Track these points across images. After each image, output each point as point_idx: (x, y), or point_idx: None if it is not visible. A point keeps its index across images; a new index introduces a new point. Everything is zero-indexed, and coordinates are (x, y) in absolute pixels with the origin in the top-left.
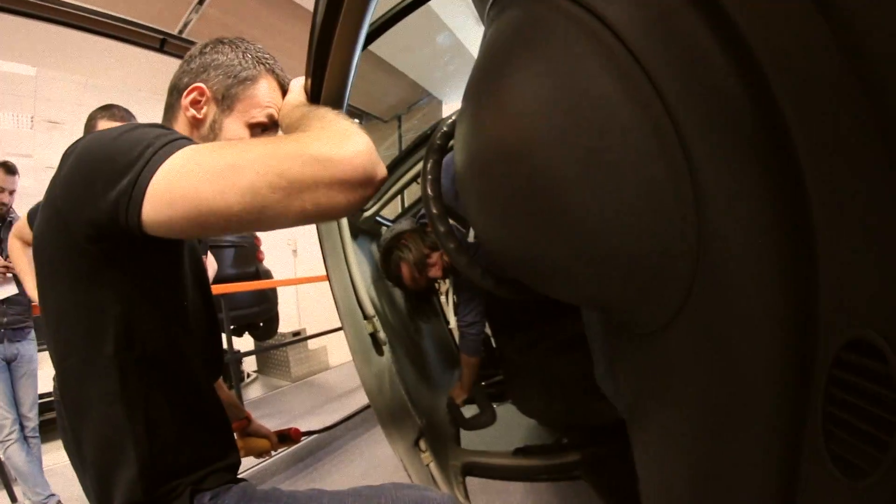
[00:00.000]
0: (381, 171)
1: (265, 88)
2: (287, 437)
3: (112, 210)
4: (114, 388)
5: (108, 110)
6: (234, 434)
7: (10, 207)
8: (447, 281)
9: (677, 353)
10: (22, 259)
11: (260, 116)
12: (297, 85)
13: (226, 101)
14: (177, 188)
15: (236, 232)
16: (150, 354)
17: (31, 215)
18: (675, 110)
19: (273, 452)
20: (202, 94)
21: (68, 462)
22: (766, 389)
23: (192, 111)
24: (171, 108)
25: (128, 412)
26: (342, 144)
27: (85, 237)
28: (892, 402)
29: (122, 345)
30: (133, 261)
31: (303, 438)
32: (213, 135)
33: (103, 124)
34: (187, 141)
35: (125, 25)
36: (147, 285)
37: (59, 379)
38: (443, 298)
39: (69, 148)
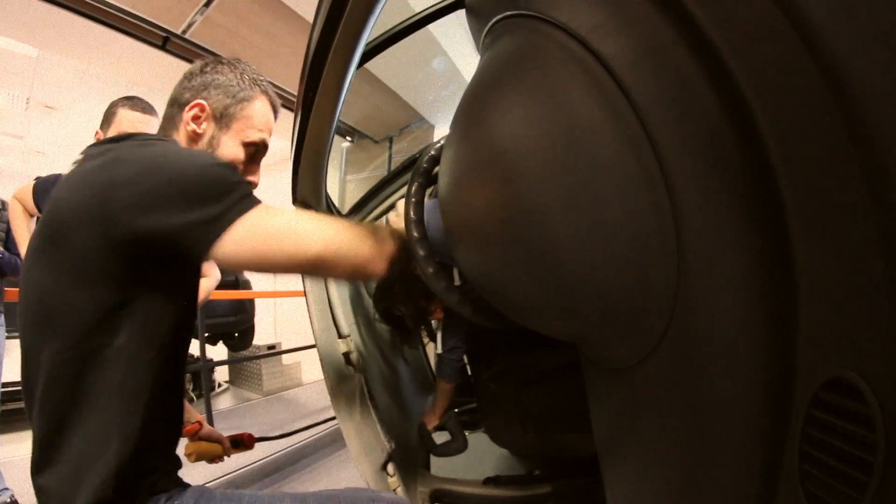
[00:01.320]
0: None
1: (260, 109)
2: (240, 442)
3: (184, 230)
4: (117, 381)
5: (130, 100)
6: (186, 439)
7: None
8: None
9: (652, 389)
10: (23, 226)
11: (254, 136)
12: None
13: (224, 119)
14: (254, 241)
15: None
16: (157, 353)
17: (39, 186)
18: (662, 147)
19: (226, 458)
20: (203, 110)
21: (26, 455)
22: (741, 428)
23: (192, 126)
24: (171, 119)
25: (126, 406)
26: (380, 255)
27: (132, 241)
28: (871, 443)
29: (135, 340)
30: (165, 269)
31: (256, 445)
32: (211, 149)
33: (123, 112)
34: (257, 199)
35: (131, 19)
36: (169, 290)
37: (47, 370)
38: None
39: (106, 148)
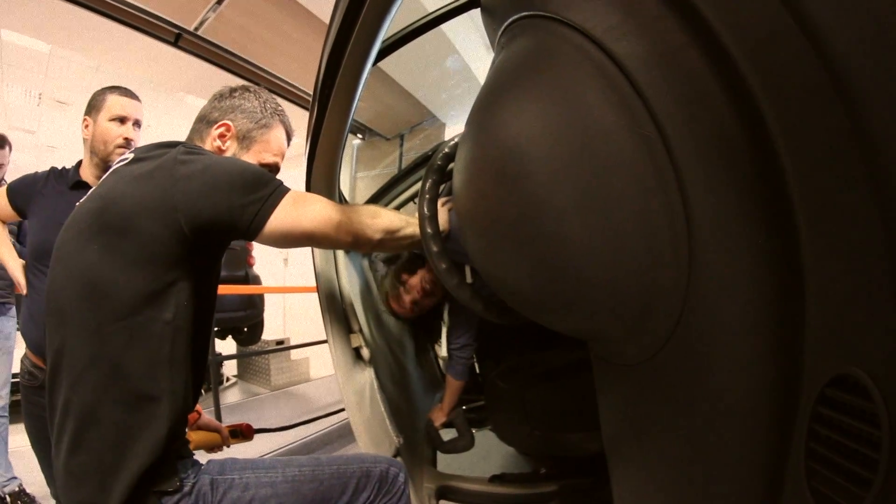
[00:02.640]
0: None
1: (277, 137)
2: (239, 432)
3: (238, 213)
4: (166, 351)
5: (117, 88)
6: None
7: (1, 180)
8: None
9: (661, 386)
10: (2, 233)
11: (269, 159)
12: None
13: (245, 140)
14: (296, 212)
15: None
16: (197, 326)
17: (15, 190)
18: (674, 149)
19: (226, 447)
20: (228, 129)
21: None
22: (748, 425)
23: (218, 142)
24: (198, 133)
25: (171, 373)
26: (378, 232)
27: (193, 226)
28: (876, 440)
29: (181, 314)
30: (213, 252)
31: (255, 436)
32: None
33: (114, 98)
34: (286, 187)
35: (143, 15)
36: (207, 270)
37: (91, 345)
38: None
39: (159, 153)
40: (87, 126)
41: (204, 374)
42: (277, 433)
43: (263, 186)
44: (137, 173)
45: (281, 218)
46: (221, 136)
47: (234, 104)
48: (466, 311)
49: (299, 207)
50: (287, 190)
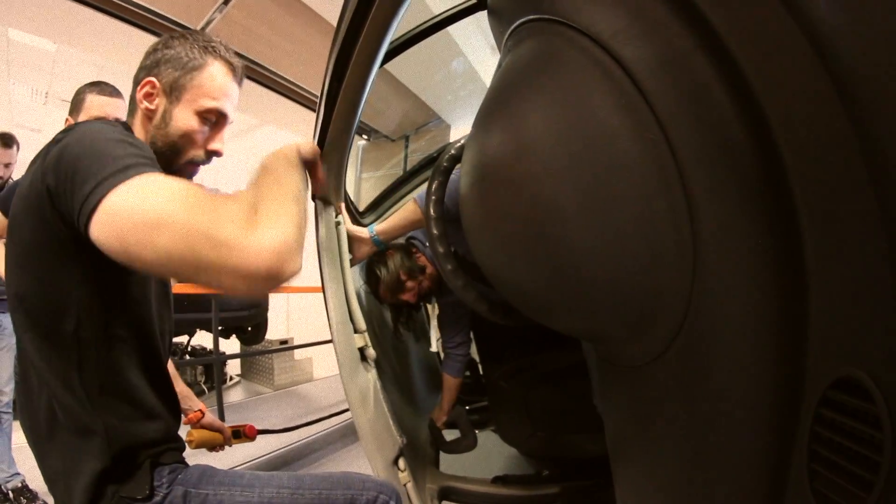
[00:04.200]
0: (291, 268)
1: (212, 76)
2: (241, 433)
3: (73, 210)
4: (74, 359)
5: (97, 86)
6: (188, 426)
7: (7, 180)
8: (433, 303)
9: (664, 387)
10: None
11: (207, 104)
12: (293, 143)
13: (174, 92)
14: (112, 225)
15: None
16: (111, 333)
17: (1, 201)
18: (679, 151)
19: (227, 448)
20: (153, 87)
21: None
22: (751, 427)
23: (145, 103)
24: (132, 101)
25: (84, 381)
26: (257, 232)
27: (60, 220)
28: (878, 442)
29: (83, 323)
30: (95, 248)
31: (257, 437)
32: (165, 124)
33: (91, 98)
34: (142, 168)
35: (149, 15)
36: (110, 271)
37: (21, 350)
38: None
39: (59, 134)
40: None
41: (163, 385)
42: (283, 433)
43: (94, 177)
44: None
45: (98, 227)
46: (147, 95)
47: (158, 57)
48: (458, 309)
49: (117, 215)
50: (115, 182)
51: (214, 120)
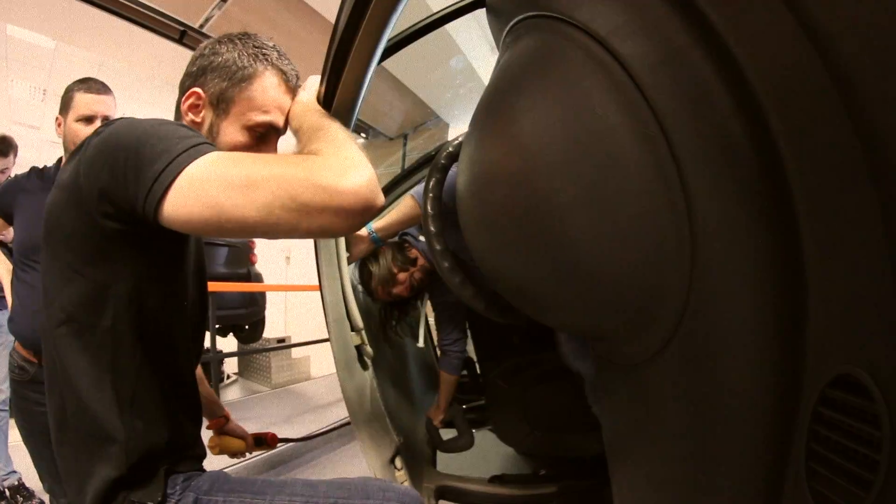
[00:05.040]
0: (380, 200)
1: (264, 88)
2: (263, 440)
3: (133, 196)
4: (106, 359)
5: (85, 83)
6: (211, 431)
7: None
8: (426, 300)
9: (662, 385)
10: None
11: (257, 118)
12: (314, 83)
13: (221, 104)
14: (199, 193)
15: (249, 238)
16: (146, 333)
17: None
18: (678, 148)
19: (248, 455)
20: (199, 98)
21: None
22: (749, 425)
23: (190, 115)
24: (177, 109)
25: (116, 383)
26: (348, 175)
27: (102, 214)
28: (877, 441)
29: (120, 320)
30: (143, 242)
31: (279, 445)
32: (212, 138)
33: (79, 96)
34: (210, 147)
35: (148, 12)
36: (153, 267)
37: (49, 346)
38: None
39: (91, 135)
40: (59, 125)
41: (188, 392)
42: (280, 432)
43: (156, 159)
44: (78, 157)
45: (175, 203)
46: (192, 107)
47: (204, 65)
48: (452, 307)
49: (204, 183)
50: (189, 158)
51: (262, 134)
